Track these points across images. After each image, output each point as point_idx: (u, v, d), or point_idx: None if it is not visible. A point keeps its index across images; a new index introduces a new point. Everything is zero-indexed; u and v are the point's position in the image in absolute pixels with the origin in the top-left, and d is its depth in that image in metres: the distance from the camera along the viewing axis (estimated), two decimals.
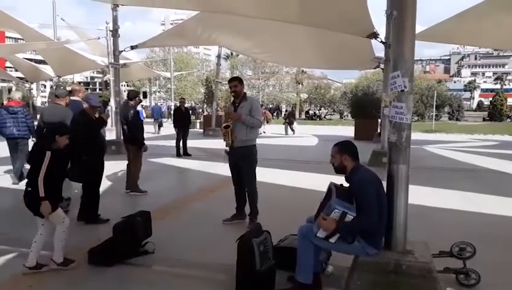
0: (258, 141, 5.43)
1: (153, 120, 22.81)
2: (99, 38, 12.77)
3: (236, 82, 5.30)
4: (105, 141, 6.59)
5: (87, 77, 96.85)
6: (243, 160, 5.26)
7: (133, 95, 7.22)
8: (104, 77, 23.83)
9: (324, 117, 45.26)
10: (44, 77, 21.84)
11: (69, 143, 3.97)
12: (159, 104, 41.39)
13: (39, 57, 22.61)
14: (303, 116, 48.77)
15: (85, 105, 5.63)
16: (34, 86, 26.50)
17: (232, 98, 5.47)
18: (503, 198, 7.14)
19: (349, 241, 3.20)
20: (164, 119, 27.70)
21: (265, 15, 6.65)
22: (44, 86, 70.09)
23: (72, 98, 6.47)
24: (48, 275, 3.77)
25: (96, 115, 5.53)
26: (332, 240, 3.20)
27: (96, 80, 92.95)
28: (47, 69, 17.49)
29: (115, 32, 8.76)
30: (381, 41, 8.96)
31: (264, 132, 22.27)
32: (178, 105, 13.82)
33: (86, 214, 5.38)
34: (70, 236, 4.00)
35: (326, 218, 3.13)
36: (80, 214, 5.42)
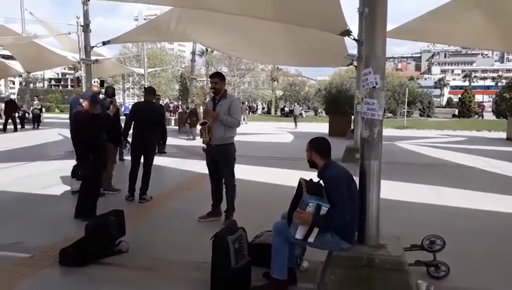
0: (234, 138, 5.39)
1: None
2: (69, 33, 12.43)
3: (217, 78, 5.17)
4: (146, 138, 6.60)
5: (58, 73, 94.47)
6: (221, 158, 5.20)
7: (111, 92, 7.08)
8: (76, 73, 23.28)
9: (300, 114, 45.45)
10: (12, 73, 21.22)
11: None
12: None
13: (7, 52, 21.94)
14: (278, 113, 49.02)
15: (83, 103, 5.34)
16: (2, 82, 25.68)
17: (213, 95, 5.37)
18: (471, 192, 7.37)
19: (326, 235, 3.21)
20: None
21: (240, 11, 6.64)
22: (13, 82, 68.00)
23: None
24: (17, 276, 3.66)
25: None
26: (311, 239, 3.20)
27: (67, 76, 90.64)
28: (15, 65, 16.97)
29: (86, 27, 8.55)
30: (354, 39, 9.10)
31: (246, 123, 24.11)
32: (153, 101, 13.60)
33: (84, 212, 5.27)
34: (42, 236, 3.89)
35: (303, 212, 3.13)
36: (77, 211, 5.35)
